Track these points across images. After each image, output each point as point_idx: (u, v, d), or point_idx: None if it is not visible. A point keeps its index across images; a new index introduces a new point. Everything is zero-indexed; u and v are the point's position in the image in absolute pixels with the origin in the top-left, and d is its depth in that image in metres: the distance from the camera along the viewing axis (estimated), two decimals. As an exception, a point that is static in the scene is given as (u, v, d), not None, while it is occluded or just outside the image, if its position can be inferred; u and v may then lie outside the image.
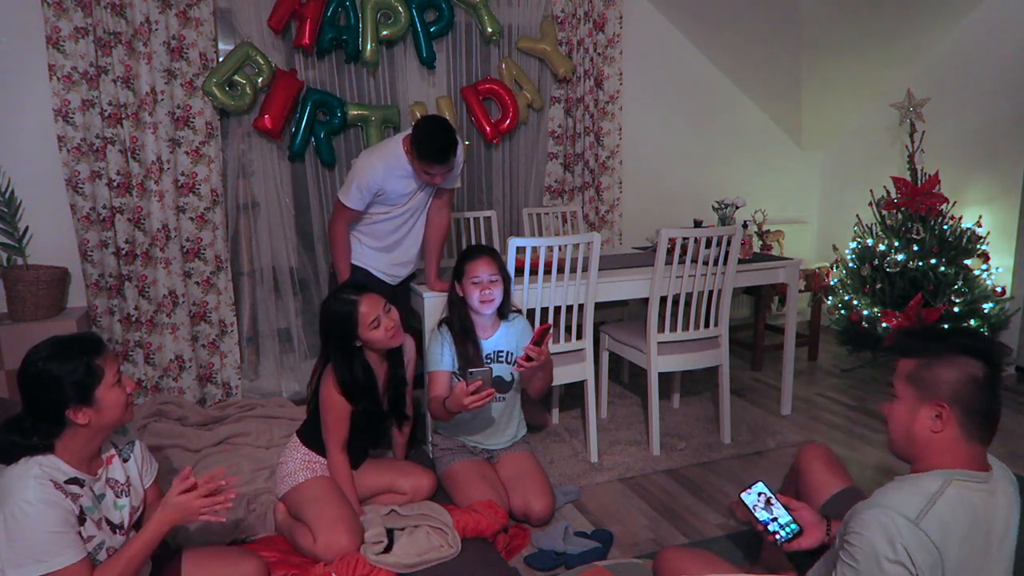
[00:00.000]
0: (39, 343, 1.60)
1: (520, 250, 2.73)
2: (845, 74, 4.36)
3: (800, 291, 4.03)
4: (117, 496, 1.72)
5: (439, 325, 2.61)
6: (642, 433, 3.26)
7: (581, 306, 2.93)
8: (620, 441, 3.19)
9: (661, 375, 3.06)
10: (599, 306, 3.11)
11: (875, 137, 4.63)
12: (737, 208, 3.47)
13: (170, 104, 3.34)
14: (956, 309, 3.66)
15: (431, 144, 2.62)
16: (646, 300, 3.04)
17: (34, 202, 3.27)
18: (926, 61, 4.24)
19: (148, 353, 3.49)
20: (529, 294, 2.79)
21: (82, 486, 1.60)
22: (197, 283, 3.53)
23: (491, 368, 2.35)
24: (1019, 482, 1.43)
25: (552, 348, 2.84)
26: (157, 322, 3.47)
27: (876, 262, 3.92)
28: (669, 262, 2.94)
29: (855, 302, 4.03)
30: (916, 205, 3.80)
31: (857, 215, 4.18)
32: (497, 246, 3.67)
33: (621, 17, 4.18)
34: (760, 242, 4.07)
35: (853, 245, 4.14)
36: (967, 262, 3.75)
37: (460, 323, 2.56)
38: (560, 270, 2.81)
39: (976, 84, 3.97)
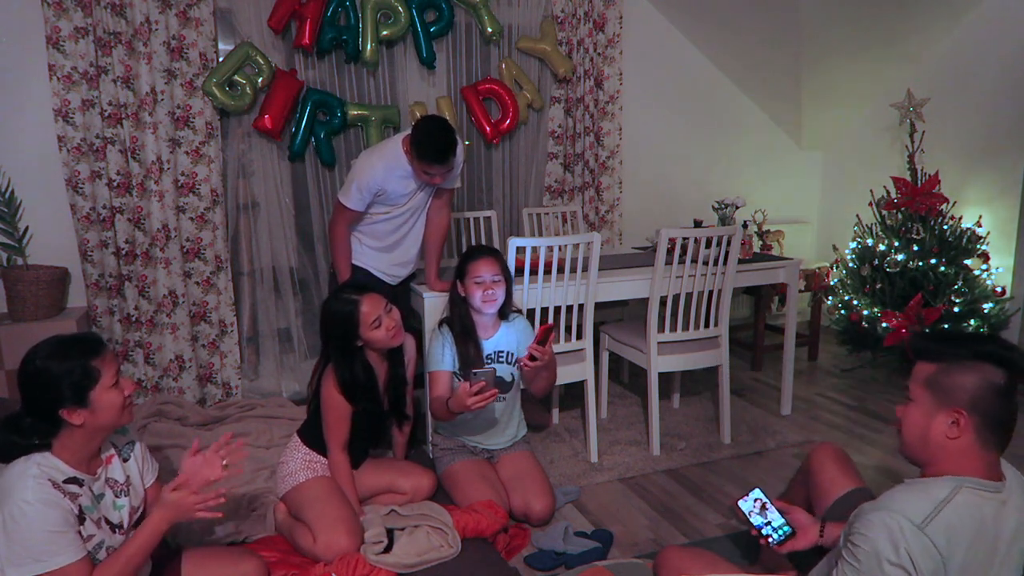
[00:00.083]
0: (41, 341, 1.60)
1: (520, 250, 2.73)
2: (845, 74, 4.36)
3: (800, 291, 4.02)
4: (116, 496, 1.71)
5: (440, 325, 2.61)
6: (642, 433, 3.26)
7: (581, 306, 2.93)
8: (620, 441, 3.19)
9: (661, 375, 3.06)
10: (599, 306, 3.11)
11: (875, 137, 4.62)
12: (737, 208, 3.47)
13: (170, 104, 3.34)
14: (956, 309, 3.66)
15: (431, 144, 2.62)
16: (646, 300, 3.04)
17: (34, 202, 3.27)
18: (926, 61, 4.24)
19: (148, 353, 3.49)
20: (529, 294, 2.79)
21: (81, 485, 1.60)
22: (197, 283, 3.53)
23: (494, 369, 2.35)
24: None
25: (553, 348, 2.83)
26: (157, 322, 3.47)
27: (876, 262, 3.92)
28: (669, 262, 2.94)
29: (855, 302, 4.03)
30: (916, 205, 3.80)
31: (857, 215, 4.18)
32: (497, 246, 3.66)
33: (621, 17, 4.18)
34: (760, 242, 4.07)
35: (853, 245, 4.14)
36: (967, 262, 3.75)
37: (461, 323, 2.56)
38: (560, 270, 2.81)
39: (976, 84, 3.97)
